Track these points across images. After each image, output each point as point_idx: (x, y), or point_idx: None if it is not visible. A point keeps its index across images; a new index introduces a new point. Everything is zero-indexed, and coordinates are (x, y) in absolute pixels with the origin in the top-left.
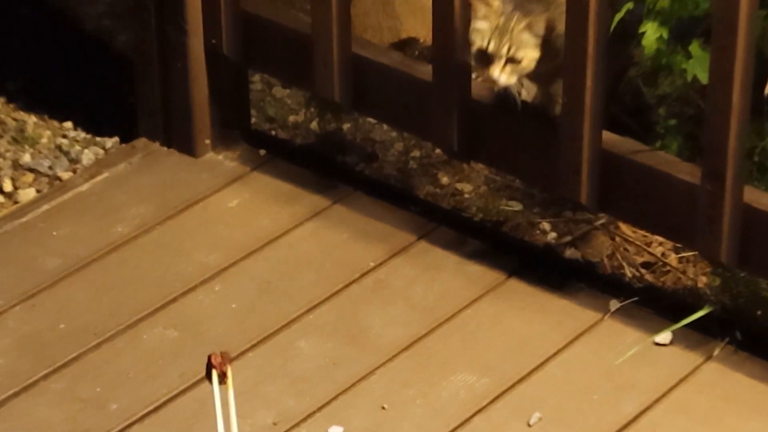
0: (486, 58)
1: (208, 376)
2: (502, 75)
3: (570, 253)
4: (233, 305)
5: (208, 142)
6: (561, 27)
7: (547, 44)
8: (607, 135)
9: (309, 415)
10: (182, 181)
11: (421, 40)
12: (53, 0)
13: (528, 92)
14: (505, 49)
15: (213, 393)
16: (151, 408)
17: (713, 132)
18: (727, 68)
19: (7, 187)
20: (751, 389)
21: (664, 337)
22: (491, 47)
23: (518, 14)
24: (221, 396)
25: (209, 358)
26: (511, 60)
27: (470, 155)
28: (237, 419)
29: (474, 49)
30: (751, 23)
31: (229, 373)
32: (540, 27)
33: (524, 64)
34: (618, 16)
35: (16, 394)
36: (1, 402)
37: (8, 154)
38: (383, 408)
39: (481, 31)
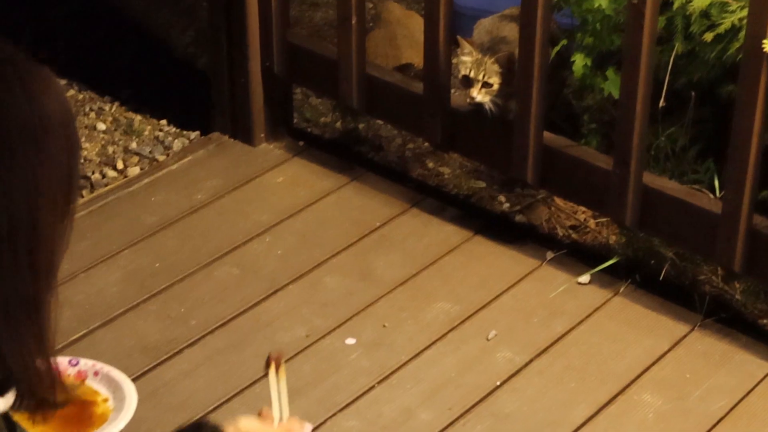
0: (468, 82)
1: (267, 368)
2: (478, 95)
3: (519, 218)
4: (279, 252)
5: (262, 135)
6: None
7: (508, 73)
8: (547, 134)
9: (331, 330)
10: (244, 163)
11: (416, 65)
12: (153, 33)
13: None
14: (481, 76)
15: (269, 378)
16: (219, 323)
17: (622, 132)
18: (633, 87)
19: (120, 165)
20: (645, 316)
21: (585, 278)
22: (472, 74)
23: (490, 52)
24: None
25: (269, 355)
26: (485, 84)
27: (449, 147)
28: (279, 333)
29: (460, 75)
30: (650, 56)
31: (283, 368)
32: (503, 61)
33: (494, 87)
34: (555, 50)
35: (123, 313)
36: (112, 318)
37: (120, 142)
38: (384, 326)
39: (465, 63)
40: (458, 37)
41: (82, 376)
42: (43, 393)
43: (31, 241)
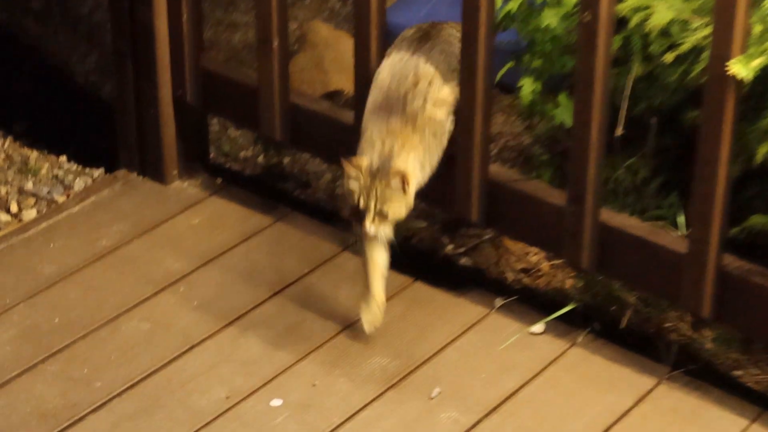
0: (360, 213)
1: None
2: (372, 227)
3: (464, 261)
4: (195, 303)
5: (175, 172)
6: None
7: (404, 195)
8: (493, 167)
9: (254, 391)
10: (154, 203)
11: (346, 92)
12: (51, 59)
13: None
14: (372, 204)
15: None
16: (128, 385)
17: (576, 164)
18: (587, 114)
19: (14, 208)
20: (606, 369)
21: (538, 327)
22: (362, 204)
23: (381, 173)
24: None
25: None
26: (380, 213)
27: None
28: (195, 395)
29: (350, 205)
30: (606, 79)
31: None
32: (397, 181)
33: (391, 216)
34: (500, 74)
35: (18, 375)
36: (6, 382)
37: (14, 182)
38: (314, 385)
39: (353, 191)
40: (341, 158)
41: None
42: None
43: None
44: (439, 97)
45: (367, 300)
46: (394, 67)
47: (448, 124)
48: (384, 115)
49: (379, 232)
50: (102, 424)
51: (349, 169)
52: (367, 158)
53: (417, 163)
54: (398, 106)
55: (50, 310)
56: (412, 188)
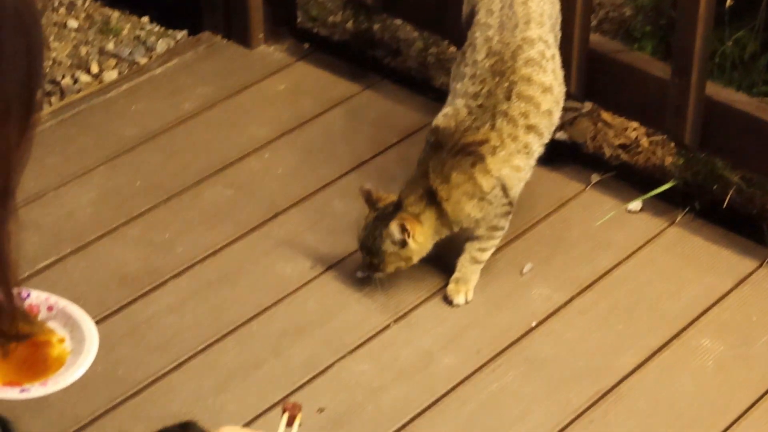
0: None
1: (283, 415)
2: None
3: (559, 135)
4: (279, 170)
5: (261, 36)
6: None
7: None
8: (593, 37)
9: (339, 261)
10: (239, 68)
11: None
12: None
13: None
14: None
15: (280, 424)
16: (210, 252)
17: (682, 35)
18: None
19: (94, 69)
20: (706, 250)
21: (636, 205)
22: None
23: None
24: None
25: (284, 406)
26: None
27: None
28: (279, 263)
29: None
30: None
31: (297, 421)
32: (395, 233)
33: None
34: None
35: (99, 238)
36: (86, 244)
37: (95, 43)
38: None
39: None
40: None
41: (33, 311)
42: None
43: None
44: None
45: None
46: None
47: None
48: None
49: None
50: (183, 289)
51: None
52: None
53: None
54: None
55: (132, 174)
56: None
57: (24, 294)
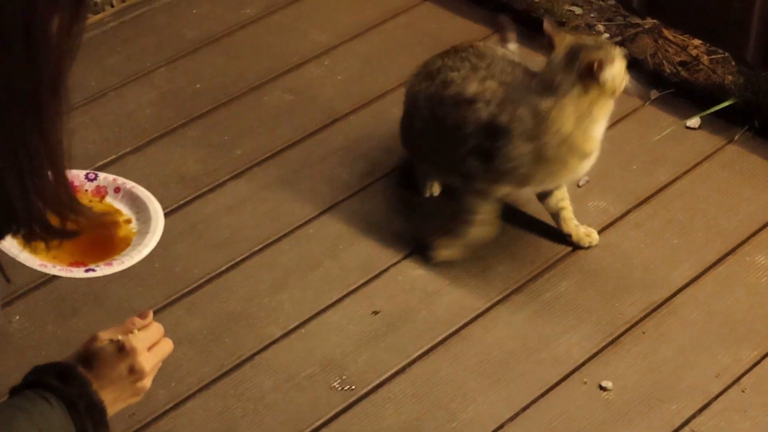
0: None
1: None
2: None
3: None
4: (339, 77)
5: None
6: None
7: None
8: None
9: (394, 168)
10: None
11: None
12: None
13: None
14: None
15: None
16: (268, 155)
17: None
18: None
19: None
20: (764, 168)
21: (694, 122)
22: None
23: None
24: None
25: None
26: None
27: None
28: (338, 168)
29: None
30: None
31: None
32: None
33: None
34: None
35: (158, 138)
36: (146, 143)
37: None
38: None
39: None
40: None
41: (101, 193)
42: (56, 211)
43: (28, 33)
44: None
45: None
46: None
47: None
48: None
49: None
50: (241, 190)
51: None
52: None
53: None
54: None
55: (192, 76)
56: None
57: (91, 176)
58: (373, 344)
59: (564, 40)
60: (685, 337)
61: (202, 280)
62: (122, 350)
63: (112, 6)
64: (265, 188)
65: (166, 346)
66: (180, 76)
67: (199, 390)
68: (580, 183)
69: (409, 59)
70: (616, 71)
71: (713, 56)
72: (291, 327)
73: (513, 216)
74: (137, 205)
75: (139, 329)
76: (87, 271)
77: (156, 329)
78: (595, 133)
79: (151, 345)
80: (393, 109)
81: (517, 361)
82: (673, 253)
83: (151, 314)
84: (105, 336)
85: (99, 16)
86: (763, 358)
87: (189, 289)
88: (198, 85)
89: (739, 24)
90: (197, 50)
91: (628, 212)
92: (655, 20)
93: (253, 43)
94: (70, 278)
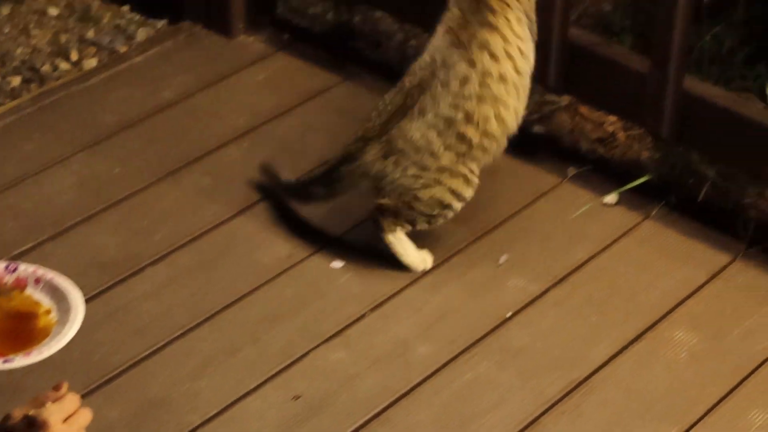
0: None
1: None
2: None
3: (538, 128)
4: (258, 159)
5: (241, 25)
6: None
7: None
8: (573, 30)
9: (317, 251)
10: (219, 57)
11: None
12: None
13: None
14: None
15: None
16: (188, 239)
17: (661, 29)
18: None
19: (74, 57)
20: (680, 243)
21: (612, 198)
22: None
23: None
24: None
25: None
26: None
27: None
28: (257, 252)
29: None
30: None
31: None
32: None
33: None
34: None
35: (78, 224)
36: (65, 230)
37: (75, 30)
38: (378, 248)
39: None
40: None
41: (21, 284)
42: None
43: None
44: None
45: None
46: None
47: None
48: None
49: None
50: (161, 275)
51: None
52: None
53: None
54: None
55: (111, 160)
56: None
57: (11, 267)
58: (295, 430)
59: None
60: (604, 417)
61: (122, 368)
62: (33, 425)
63: (30, 92)
64: (185, 273)
65: (84, 416)
66: (99, 161)
67: None
68: (500, 261)
69: (327, 141)
70: None
71: (630, 132)
72: (211, 414)
73: (432, 296)
74: (57, 295)
75: (53, 401)
76: (5, 362)
77: (71, 400)
78: None
79: (67, 416)
80: (312, 189)
81: None
82: (592, 331)
83: (65, 386)
84: (18, 413)
85: (16, 101)
86: None
87: (108, 377)
88: (117, 170)
89: (653, 100)
90: (116, 135)
91: (547, 290)
92: (571, 97)
93: (171, 127)
94: None
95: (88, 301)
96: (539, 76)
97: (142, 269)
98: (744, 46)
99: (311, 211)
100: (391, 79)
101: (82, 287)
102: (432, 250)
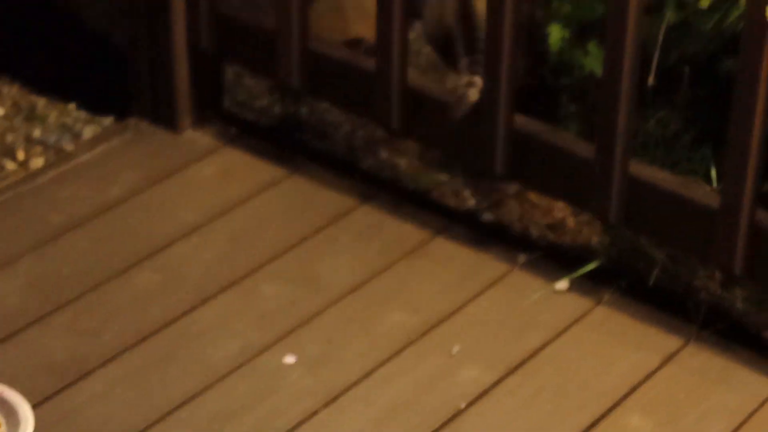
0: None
1: None
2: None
3: (487, 216)
4: (208, 255)
5: (188, 121)
6: None
7: None
8: (519, 118)
9: (269, 346)
10: (166, 153)
11: (367, 39)
12: (60, 4)
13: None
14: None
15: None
16: (139, 338)
17: (606, 114)
18: (618, 63)
19: (21, 156)
20: (633, 327)
21: (563, 284)
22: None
23: None
24: None
25: None
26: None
27: (406, 134)
28: (209, 348)
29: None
30: (638, 27)
31: None
32: None
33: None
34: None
35: (26, 327)
36: (13, 333)
37: (21, 130)
38: (330, 340)
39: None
40: None
41: None
42: None
43: None
44: None
45: None
46: None
47: None
48: None
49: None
50: (112, 377)
51: None
52: None
53: None
54: None
55: (59, 261)
56: None
57: None
58: None
59: None
60: None
61: None
62: None
63: None
64: (135, 373)
65: None
66: (47, 262)
67: None
68: (453, 352)
69: (277, 233)
70: None
71: (579, 217)
72: None
73: (385, 389)
74: (6, 408)
75: None
76: None
77: None
78: None
79: None
80: (263, 285)
81: None
82: (547, 420)
83: None
84: None
85: None
86: None
87: None
88: (65, 270)
89: (600, 185)
90: (63, 235)
91: (500, 380)
92: (519, 184)
93: (120, 225)
94: None
95: (38, 406)
96: (487, 164)
97: (91, 371)
98: (689, 129)
99: (260, 306)
100: (339, 170)
101: (32, 392)
102: (384, 342)
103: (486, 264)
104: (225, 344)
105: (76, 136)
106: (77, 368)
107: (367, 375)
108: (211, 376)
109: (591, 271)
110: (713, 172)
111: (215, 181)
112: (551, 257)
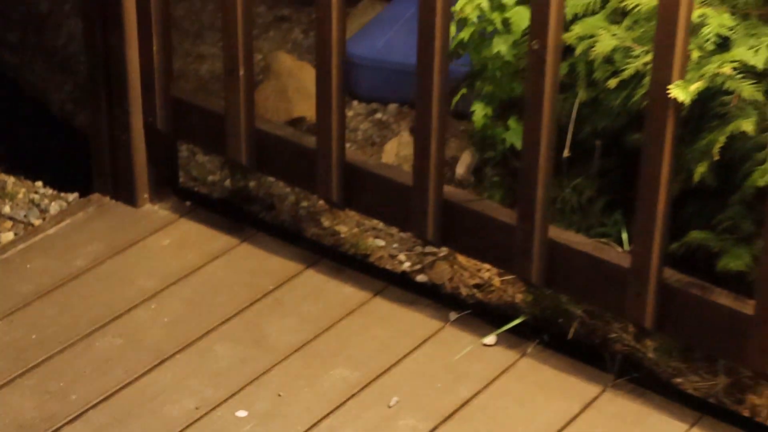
0: None
1: None
2: None
3: (420, 277)
4: (165, 319)
5: (146, 196)
6: None
7: None
8: (447, 188)
9: (222, 402)
10: (126, 225)
11: (308, 119)
12: (28, 89)
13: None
14: None
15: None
16: (102, 397)
17: (525, 184)
18: (535, 137)
19: None
20: (555, 377)
21: (491, 339)
22: None
23: None
24: None
25: None
26: None
27: (346, 205)
28: (167, 406)
29: None
30: (553, 104)
31: None
32: None
33: None
34: (455, 100)
35: None
36: None
37: None
38: (279, 395)
39: None
40: None
41: None
42: None
43: None
44: None
45: None
46: None
47: None
48: None
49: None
50: None
51: None
52: None
53: None
54: None
55: (27, 327)
56: None
57: None
58: None
59: None
60: None
61: None
62: None
63: None
64: (100, 430)
65: None
66: (16, 329)
67: None
68: (391, 403)
69: (230, 298)
70: None
71: (504, 278)
72: None
73: None
74: None
75: None
76: None
77: None
78: None
79: None
80: (216, 345)
81: None
82: None
83: None
84: None
85: None
86: None
87: None
88: (33, 336)
89: (522, 249)
90: (31, 303)
91: (435, 428)
92: (449, 248)
93: (84, 293)
94: None
95: None
96: (419, 231)
97: (58, 429)
98: (601, 196)
99: (214, 365)
100: (286, 238)
101: None
102: (328, 395)
103: (420, 321)
104: (182, 401)
105: (43, 211)
106: (46, 426)
107: (314, 426)
108: (170, 431)
109: (516, 326)
110: (624, 235)
111: (172, 251)
112: (479, 314)
